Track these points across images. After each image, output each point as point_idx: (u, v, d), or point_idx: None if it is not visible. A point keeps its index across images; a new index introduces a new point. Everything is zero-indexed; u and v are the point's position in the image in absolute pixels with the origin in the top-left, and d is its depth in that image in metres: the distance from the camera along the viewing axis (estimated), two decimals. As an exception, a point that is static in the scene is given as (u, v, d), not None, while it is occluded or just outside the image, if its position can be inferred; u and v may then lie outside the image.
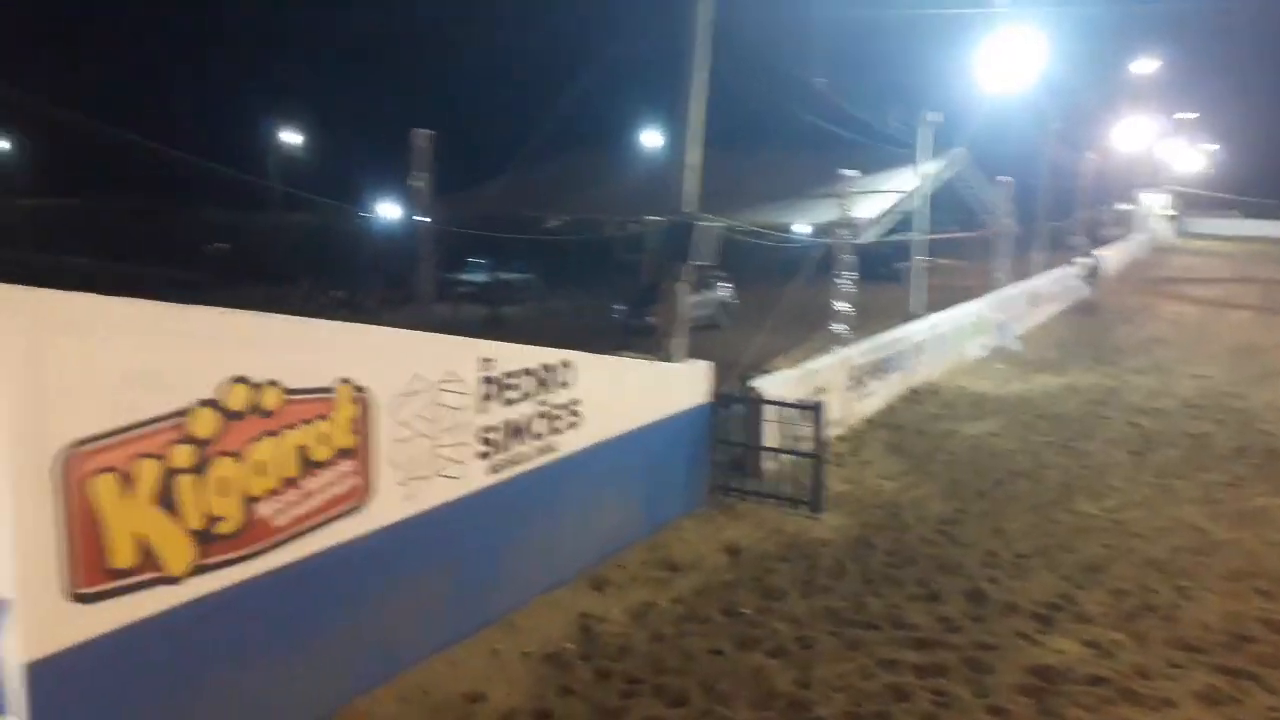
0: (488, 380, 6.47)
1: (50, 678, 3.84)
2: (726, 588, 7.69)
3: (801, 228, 21.73)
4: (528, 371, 6.87)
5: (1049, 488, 10.63)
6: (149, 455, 4.32)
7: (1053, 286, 28.05)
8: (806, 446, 9.80)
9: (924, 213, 20.86)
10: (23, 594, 3.69)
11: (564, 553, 7.51)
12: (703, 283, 22.29)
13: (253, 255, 29.66)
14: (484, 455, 6.51)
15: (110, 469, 4.16)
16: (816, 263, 15.93)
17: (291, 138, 46.97)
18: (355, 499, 5.49)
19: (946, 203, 25.41)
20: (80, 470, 4.03)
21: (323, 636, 5.40)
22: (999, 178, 25.66)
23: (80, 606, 4.05)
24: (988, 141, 27.09)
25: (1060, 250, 32.85)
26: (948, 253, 30.45)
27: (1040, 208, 30.59)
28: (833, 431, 11.84)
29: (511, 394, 6.71)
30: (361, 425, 5.46)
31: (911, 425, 13.59)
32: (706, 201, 10.39)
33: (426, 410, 5.93)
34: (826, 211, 18.92)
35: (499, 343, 6.69)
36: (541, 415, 7.06)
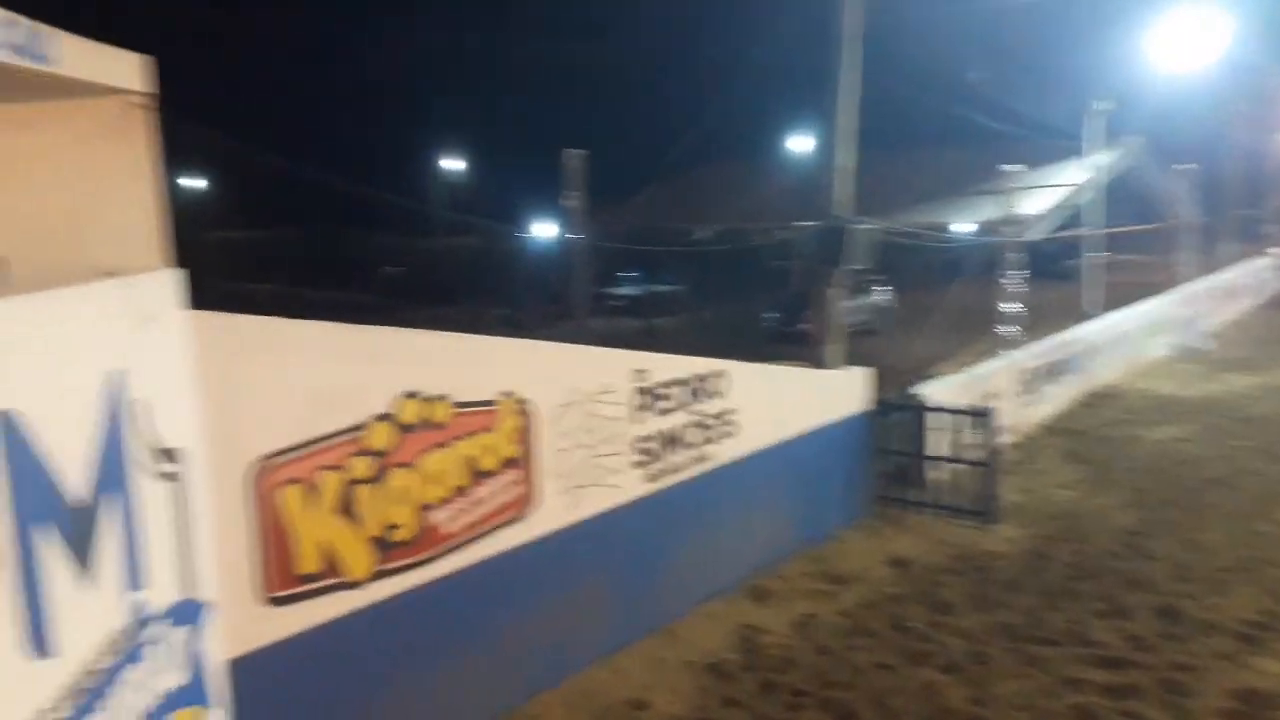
0: (642, 391, 6.53)
1: (248, 674, 4.12)
2: (893, 601, 7.44)
3: (962, 227, 20.91)
4: (681, 382, 6.89)
5: (1248, 497, 9.76)
6: (331, 467, 4.58)
7: (1244, 279, 25.82)
8: (976, 455, 9.38)
9: (1097, 206, 19.68)
10: (223, 597, 3.97)
11: (722, 563, 7.47)
12: (858, 287, 21.81)
13: (422, 277, 31.20)
14: (640, 465, 6.57)
15: (297, 480, 4.44)
16: (980, 262, 15.29)
17: (454, 165, 49.14)
18: (520, 507, 5.66)
19: (1122, 195, 23.86)
20: (271, 482, 4.32)
21: (491, 640, 5.57)
22: (1179, 166, 23.90)
23: (273, 609, 4.34)
24: (1166, 128, 25.29)
25: (1253, 240, 30.24)
26: (1125, 248, 28.61)
27: (1228, 196, 28.27)
28: (1004, 439, 11.30)
29: (665, 404, 6.74)
30: (524, 436, 5.62)
31: (1091, 431, 12.79)
32: (859, 204, 10.15)
33: (584, 421, 6.04)
34: (989, 209, 18.16)
35: (652, 354, 6.75)
36: (696, 425, 7.06)
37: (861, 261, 9.78)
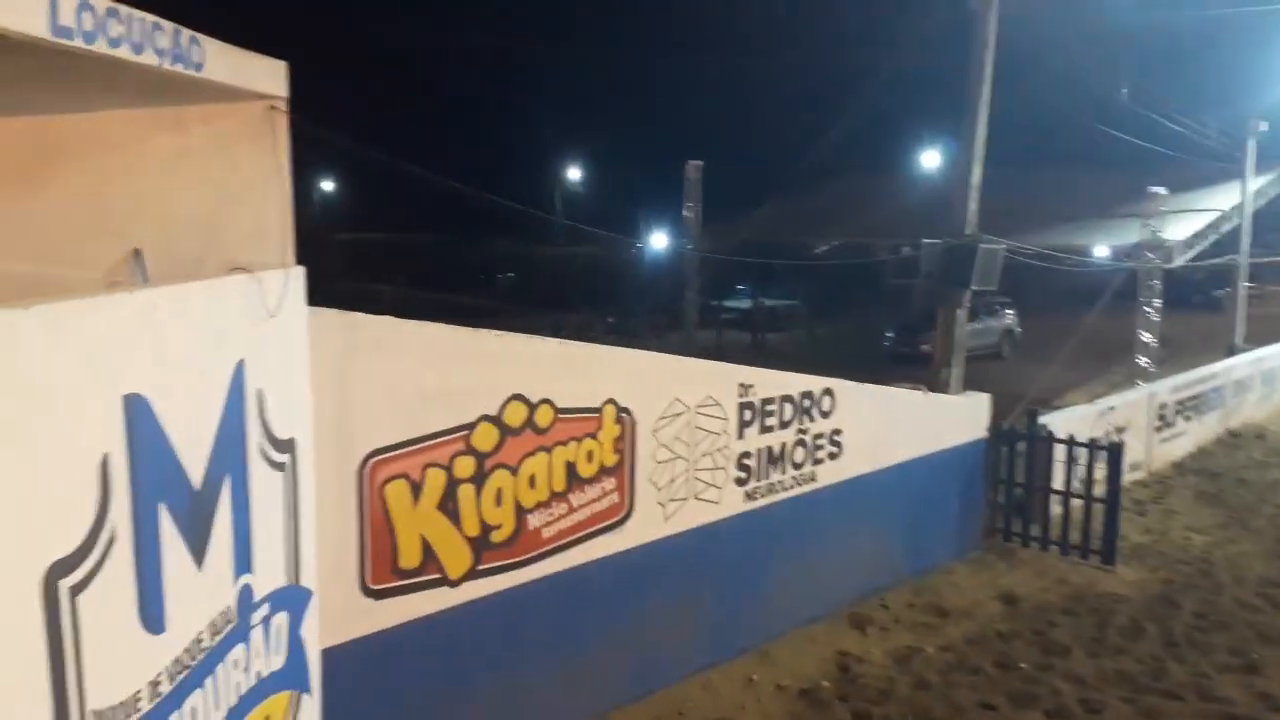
0: (746, 406, 6.45)
1: (343, 664, 4.25)
2: (1001, 639, 7.12)
3: (1101, 251, 19.93)
4: (787, 399, 6.77)
5: None
6: (436, 465, 4.69)
7: None
8: (1100, 490, 8.91)
9: (1249, 234, 18.45)
10: (323, 587, 4.10)
11: (822, 587, 7.30)
12: (985, 309, 21.08)
13: (537, 284, 31.80)
14: (740, 481, 6.49)
15: (402, 476, 4.55)
16: (1118, 289, 14.54)
17: (575, 174, 49.94)
18: (616, 515, 5.66)
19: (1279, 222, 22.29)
20: (377, 477, 4.45)
21: (583, 647, 5.59)
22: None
23: (371, 601, 4.47)
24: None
25: None
26: (1277, 279, 26.74)
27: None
28: (1132, 475, 10.70)
29: (770, 420, 6.64)
30: (624, 445, 5.63)
31: (1229, 472, 11.98)
32: (988, 223, 9.82)
33: (685, 433, 6.01)
34: (1130, 233, 17.30)
35: (758, 369, 6.66)
36: (800, 444, 6.93)
37: (990, 282, 9.44)
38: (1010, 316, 22.94)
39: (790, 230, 24.53)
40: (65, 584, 2.49)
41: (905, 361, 18.62)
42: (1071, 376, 14.58)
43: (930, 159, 31.13)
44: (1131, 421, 11.27)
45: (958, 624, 7.38)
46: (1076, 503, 9.12)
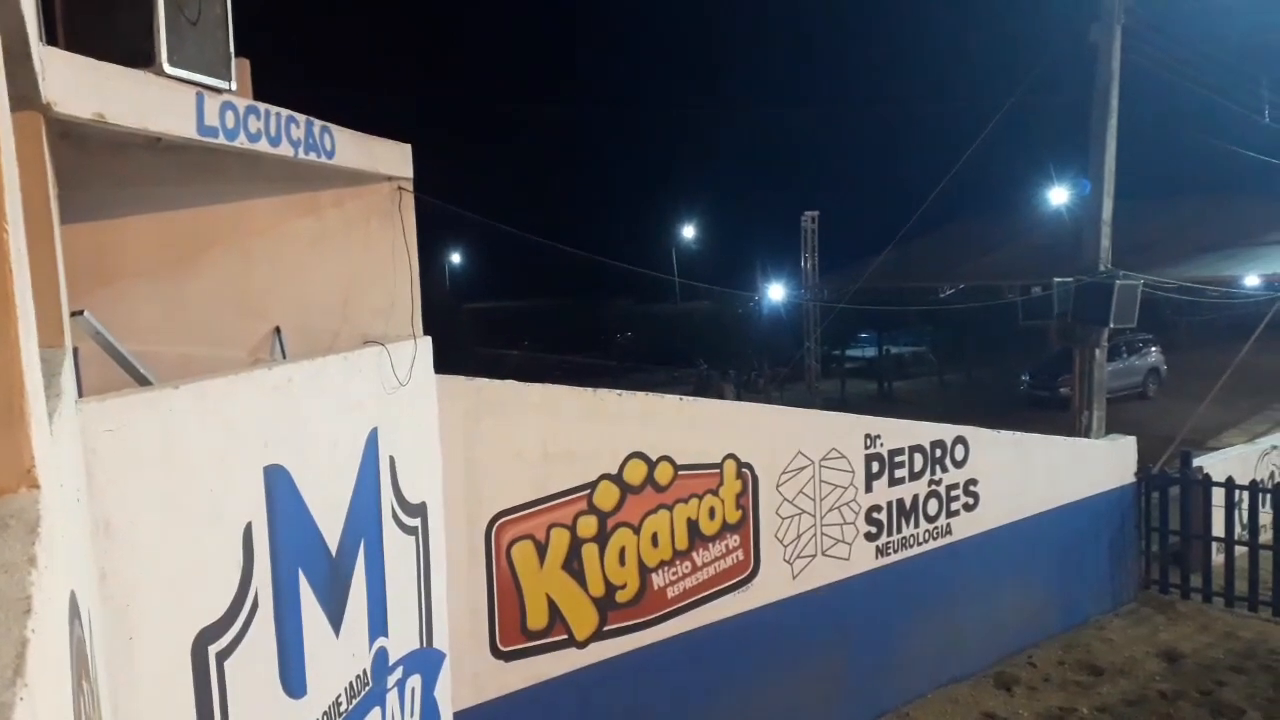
0: (873, 458, 6.28)
1: (473, 726, 4.30)
2: (1164, 699, 6.61)
3: (1251, 280, 18.71)
4: (917, 449, 6.56)
5: None
6: (559, 525, 4.73)
7: None
8: (1267, 536, 8.22)
9: None
10: (455, 649, 4.18)
11: (964, 645, 6.96)
12: (1127, 347, 20.04)
13: (655, 342, 32.01)
14: (870, 536, 6.30)
15: (528, 537, 4.62)
16: (1273, 319, 13.57)
17: (688, 230, 50.32)
18: (742, 573, 5.57)
19: None
20: (504, 538, 4.52)
21: (711, 708, 5.48)
22: None
23: (501, 663, 4.51)
24: None
25: None
26: None
27: None
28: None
29: (899, 472, 6.44)
30: (746, 500, 5.56)
31: None
32: (1123, 258, 9.37)
33: (809, 488, 5.89)
34: (1282, 259, 16.19)
35: (885, 419, 6.49)
36: (933, 495, 6.68)
37: (1128, 319, 8.98)
38: (1155, 354, 21.69)
39: (913, 275, 24.00)
40: (213, 649, 2.60)
41: (1043, 405, 17.81)
42: (1227, 415, 13.63)
43: (1057, 196, 30.17)
44: (1299, 461, 10.40)
45: (1113, 683, 6.90)
46: (1241, 550, 8.45)
